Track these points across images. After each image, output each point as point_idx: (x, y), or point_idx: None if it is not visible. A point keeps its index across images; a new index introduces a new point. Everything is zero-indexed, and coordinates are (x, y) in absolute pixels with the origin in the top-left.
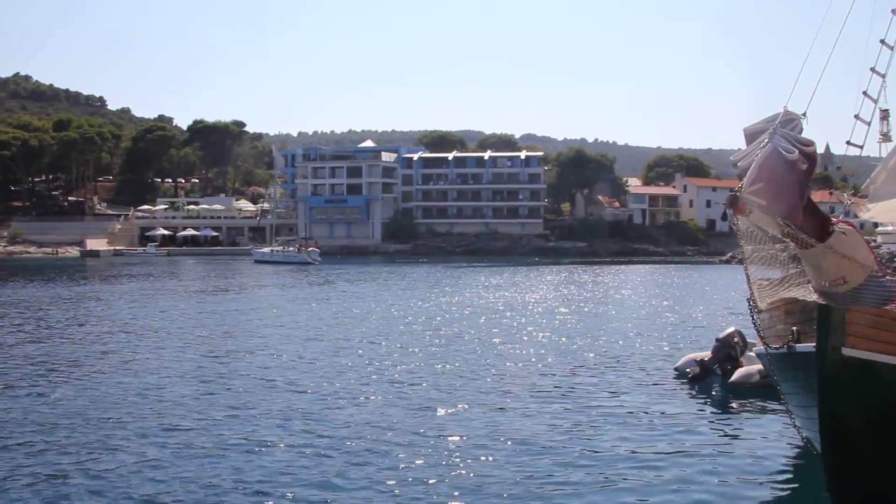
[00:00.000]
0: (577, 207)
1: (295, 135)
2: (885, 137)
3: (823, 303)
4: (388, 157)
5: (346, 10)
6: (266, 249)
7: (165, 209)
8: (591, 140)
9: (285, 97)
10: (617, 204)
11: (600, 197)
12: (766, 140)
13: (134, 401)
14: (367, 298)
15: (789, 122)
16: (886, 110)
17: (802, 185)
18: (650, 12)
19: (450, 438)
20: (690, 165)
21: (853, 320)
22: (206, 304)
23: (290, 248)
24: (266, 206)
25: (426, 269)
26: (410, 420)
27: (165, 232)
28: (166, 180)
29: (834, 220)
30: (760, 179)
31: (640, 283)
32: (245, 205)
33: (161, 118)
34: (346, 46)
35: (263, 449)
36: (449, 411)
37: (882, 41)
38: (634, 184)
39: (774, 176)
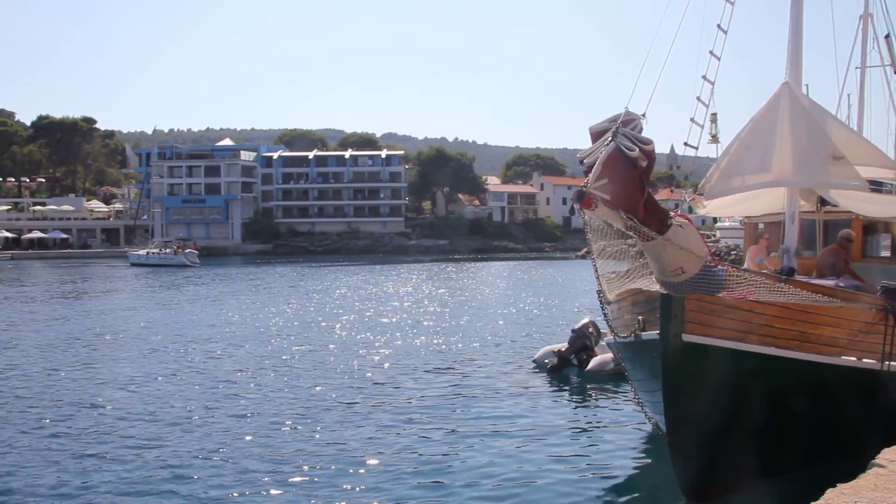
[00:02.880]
0: (437, 206)
1: (150, 132)
2: (714, 139)
3: (665, 292)
4: (247, 155)
5: (206, 7)
6: (142, 252)
7: (8, 210)
8: (451, 139)
9: (139, 93)
10: (477, 202)
11: (460, 195)
12: (609, 138)
13: None
14: (228, 303)
15: (630, 122)
16: (715, 114)
17: (643, 181)
18: (510, 16)
19: (306, 442)
20: (547, 164)
21: (691, 308)
22: (57, 311)
23: (167, 251)
24: (119, 206)
25: (287, 269)
26: (262, 434)
27: (9, 234)
28: (8, 179)
29: (672, 213)
30: (604, 175)
31: (499, 280)
32: (97, 205)
33: (1, 112)
34: (205, 42)
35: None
36: (308, 415)
37: (718, 25)
38: (494, 182)
39: (617, 172)
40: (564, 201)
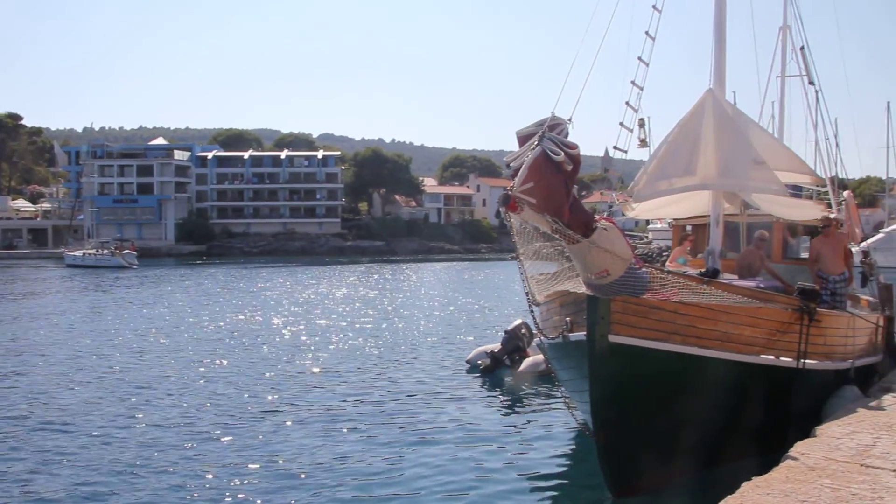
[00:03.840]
0: (374, 207)
1: (80, 130)
2: (642, 143)
3: (591, 294)
4: (181, 155)
5: (138, 3)
6: (78, 253)
7: None
8: (388, 140)
9: (68, 90)
10: (413, 203)
11: (397, 196)
12: (535, 142)
13: None
14: (160, 305)
15: (557, 127)
16: (643, 119)
17: (568, 185)
18: (448, 19)
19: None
20: (483, 166)
21: (617, 309)
22: None
23: (105, 252)
24: (48, 206)
25: (222, 271)
26: (191, 441)
27: None
28: None
29: (597, 217)
30: (531, 179)
31: (435, 281)
32: (23, 205)
33: None
34: (138, 39)
35: None
36: (235, 423)
37: (646, 32)
38: (430, 183)
39: (543, 176)
40: None
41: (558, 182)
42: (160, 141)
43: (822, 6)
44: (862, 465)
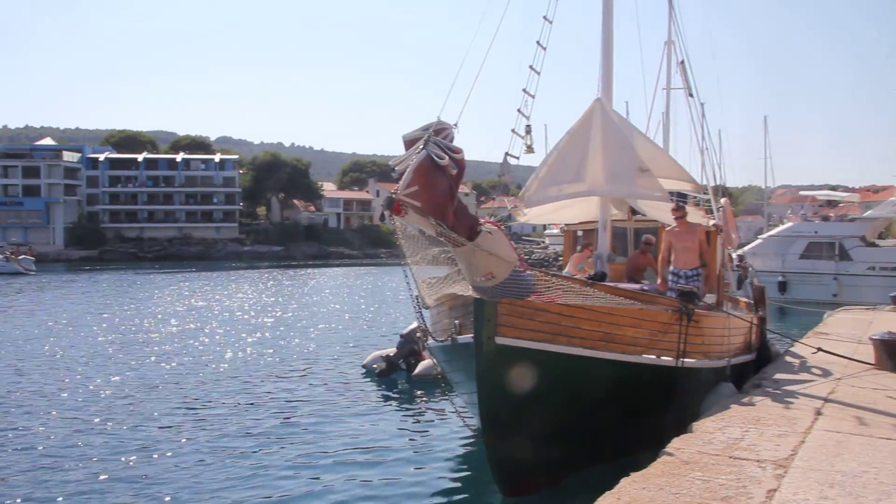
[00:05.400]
0: (272, 211)
1: None
2: (529, 149)
3: (477, 297)
4: (70, 156)
5: None
6: None
7: None
8: (287, 144)
9: None
10: (312, 208)
11: (296, 201)
12: (420, 146)
13: None
14: (38, 315)
15: (442, 131)
16: (529, 125)
17: (453, 189)
18: (346, 24)
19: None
20: (383, 171)
21: (503, 312)
22: None
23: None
24: None
25: (114, 277)
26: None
27: None
28: None
29: (482, 220)
30: (415, 183)
31: (334, 286)
32: None
33: None
34: (20, 30)
35: None
36: (113, 445)
37: (538, 42)
38: (330, 188)
39: (428, 180)
40: None
41: (443, 186)
42: (48, 141)
43: (718, 28)
44: (730, 458)
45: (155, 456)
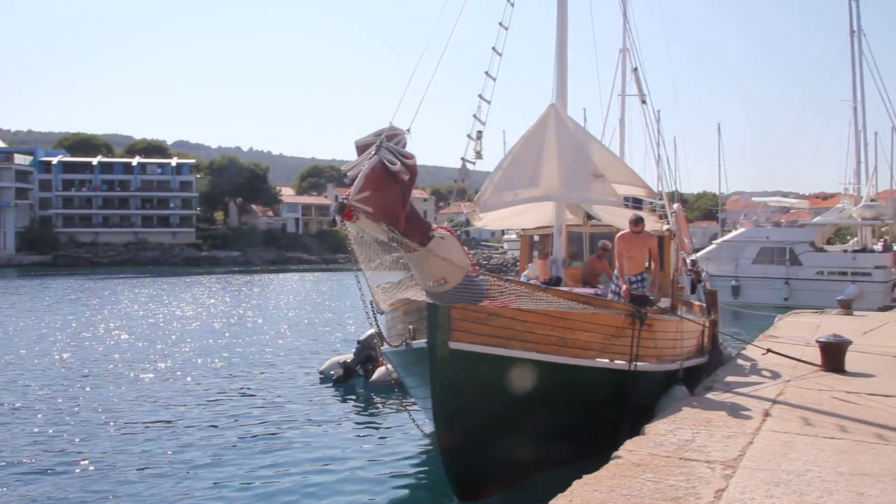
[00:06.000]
0: (230, 216)
1: None
2: (478, 155)
3: (431, 301)
4: (22, 159)
5: None
6: None
7: None
8: (245, 149)
9: None
10: (271, 213)
11: (254, 206)
12: (373, 152)
13: None
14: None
15: (395, 137)
16: (480, 131)
17: (405, 194)
18: (304, 27)
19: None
20: (342, 176)
21: (457, 316)
22: None
23: None
24: None
25: (67, 283)
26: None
27: None
28: None
29: (434, 226)
30: (367, 188)
31: (291, 291)
32: None
33: None
34: None
35: None
36: (63, 460)
37: (493, 48)
38: (288, 193)
39: (380, 185)
40: None
41: (394, 191)
42: None
43: (674, 37)
44: (681, 459)
45: (103, 469)
